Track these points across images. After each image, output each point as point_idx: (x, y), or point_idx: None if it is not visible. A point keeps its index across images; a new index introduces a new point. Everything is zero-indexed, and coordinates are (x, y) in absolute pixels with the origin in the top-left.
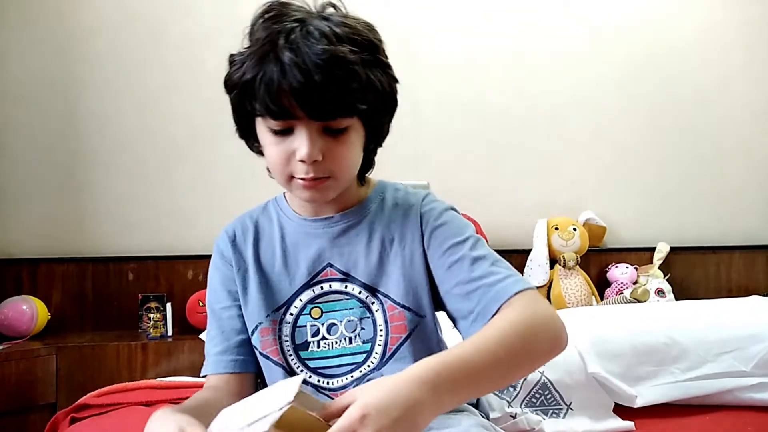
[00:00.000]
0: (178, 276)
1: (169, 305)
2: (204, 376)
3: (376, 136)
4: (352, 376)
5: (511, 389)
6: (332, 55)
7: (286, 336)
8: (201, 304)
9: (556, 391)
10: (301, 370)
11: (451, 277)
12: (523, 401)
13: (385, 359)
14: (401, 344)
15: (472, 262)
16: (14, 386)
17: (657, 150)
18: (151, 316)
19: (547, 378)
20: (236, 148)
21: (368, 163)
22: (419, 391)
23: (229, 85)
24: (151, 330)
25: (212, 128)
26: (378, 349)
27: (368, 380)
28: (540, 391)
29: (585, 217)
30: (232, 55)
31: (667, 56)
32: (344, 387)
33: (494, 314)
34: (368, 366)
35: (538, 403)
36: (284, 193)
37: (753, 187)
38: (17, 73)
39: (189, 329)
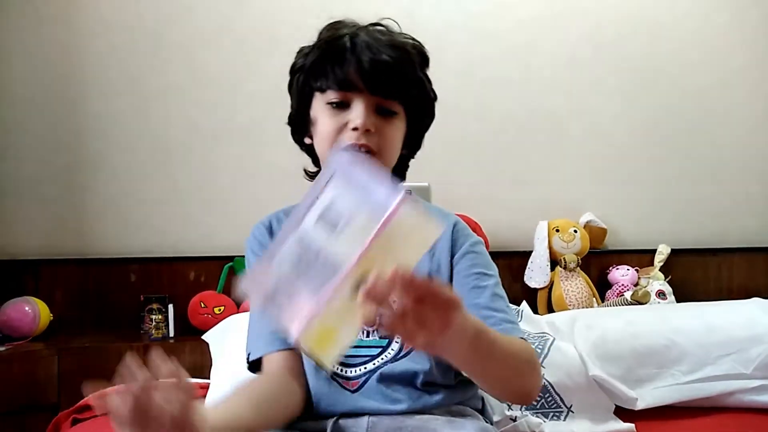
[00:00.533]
0: (179, 277)
1: (171, 306)
2: (252, 362)
3: (412, 140)
4: (365, 368)
5: None
6: (396, 42)
7: None
8: (203, 305)
9: (557, 393)
10: None
11: (471, 297)
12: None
13: (400, 355)
14: None
15: (492, 295)
16: (16, 387)
17: (657, 152)
18: (153, 317)
19: (547, 380)
20: (237, 150)
21: (402, 169)
22: (472, 329)
23: (296, 69)
24: (153, 331)
25: (213, 130)
26: (394, 346)
27: (382, 372)
28: (540, 393)
29: (586, 218)
30: (301, 47)
31: (666, 59)
32: (358, 378)
33: None
34: (382, 359)
35: (538, 406)
36: None
37: (753, 188)
38: (18, 74)
39: (191, 330)
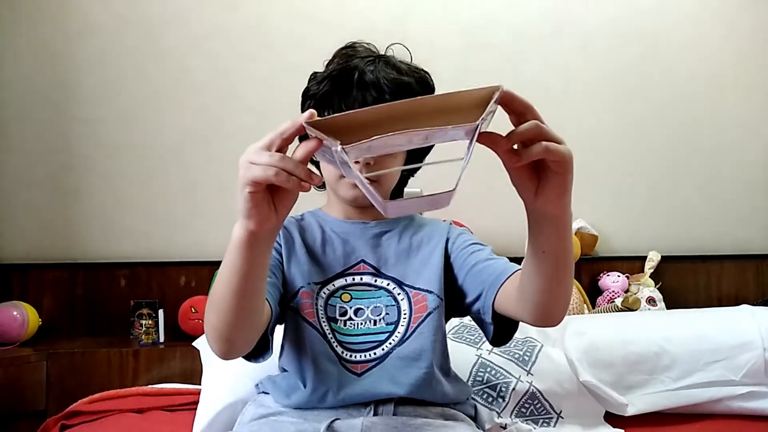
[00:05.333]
0: (170, 282)
1: (161, 312)
2: None
3: (413, 164)
4: (374, 353)
5: (500, 400)
6: (402, 81)
7: (321, 306)
8: (194, 310)
9: (546, 400)
10: (332, 337)
11: (473, 258)
12: (512, 412)
13: (406, 336)
14: (422, 321)
15: (489, 254)
16: (4, 393)
17: (648, 160)
18: (143, 322)
19: (535, 387)
20: (228, 155)
21: (400, 190)
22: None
23: (307, 95)
24: (143, 336)
25: (203, 135)
26: (400, 329)
27: (390, 357)
28: (529, 400)
29: (577, 225)
30: (314, 73)
31: (657, 68)
32: (365, 362)
33: (508, 277)
34: (390, 344)
35: (527, 413)
36: (320, 208)
37: (743, 196)
38: (6, 77)
39: (181, 336)
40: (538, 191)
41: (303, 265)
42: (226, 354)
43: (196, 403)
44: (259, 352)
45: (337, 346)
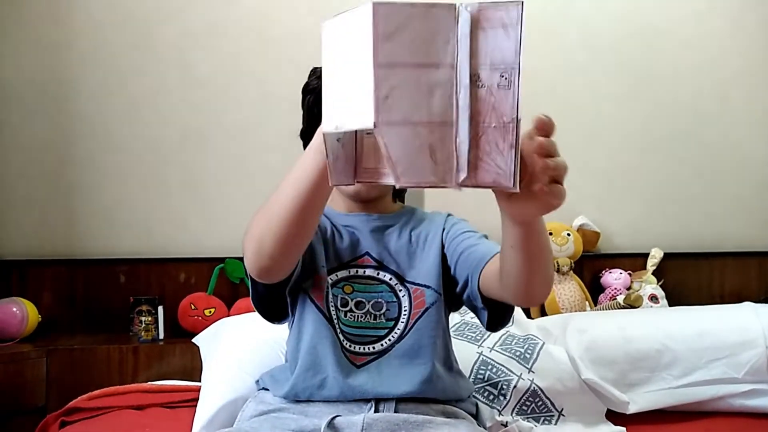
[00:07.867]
0: (169, 279)
1: (160, 308)
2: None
3: None
4: (373, 347)
5: (501, 398)
6: None
7: (328, 292)
8: (193, 307)
9: (547, 398)
10: (337, 323)
11: (462, 246)
12: (513, 409)
13: (405, 332)
14: (420, 317)
15: (477, 239)
16: (3, 389)
17: (651, 156)
18: (143, 319)
19: (537, 385)
20: (228, 152)
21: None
22: None
23: (307, 90)
24: (143, 333)
25: (203, 131)
26: (400, 326)
27: (389, 354)
28: (530, 398)
29: (579, 222)
30: (314, 68)
31: (661, 64)
32: (364, 354)
33: (490, 259)
34: (389, 340)
35: (529, 411)
36: None
37: (746, 193)
38: (5, 74)
39: (181, 332)
40: (513, 198)
41: (319, 248)
42: (263, 272)
43: (196, 400)
44: (280, 314)
45: (340, 334)
